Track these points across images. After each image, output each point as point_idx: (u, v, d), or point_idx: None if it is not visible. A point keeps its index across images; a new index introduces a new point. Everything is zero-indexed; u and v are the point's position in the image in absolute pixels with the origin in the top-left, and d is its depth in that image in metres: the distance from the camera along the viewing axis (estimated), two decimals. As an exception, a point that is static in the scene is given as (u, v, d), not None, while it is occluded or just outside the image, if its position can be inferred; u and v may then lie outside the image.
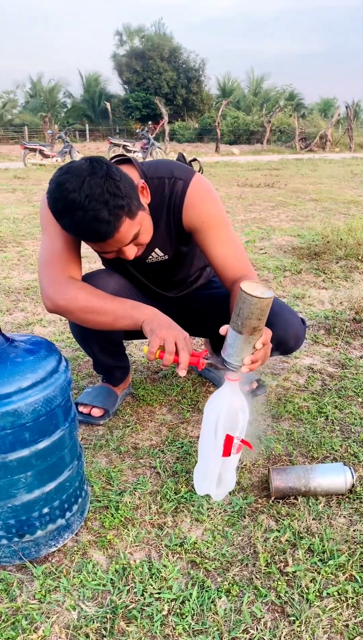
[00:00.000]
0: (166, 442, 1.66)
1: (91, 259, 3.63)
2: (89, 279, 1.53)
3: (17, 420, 1.04)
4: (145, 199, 1.43)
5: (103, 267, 1.76)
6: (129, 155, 1.54)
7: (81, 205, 1.22)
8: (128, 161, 1.51)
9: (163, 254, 1.60)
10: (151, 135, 17.47)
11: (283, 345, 1.57)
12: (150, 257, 1.59)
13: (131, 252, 1.41)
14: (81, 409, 1.77)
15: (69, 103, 43.19)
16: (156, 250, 1.58)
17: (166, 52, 38.64)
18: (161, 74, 37.64)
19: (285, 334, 1.54)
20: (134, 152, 16.02)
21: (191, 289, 1.80)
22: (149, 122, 21.95)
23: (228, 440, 1.31)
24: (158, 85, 37.63)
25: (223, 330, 1.22)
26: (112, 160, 1.52)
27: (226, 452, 1.32)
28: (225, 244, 1.51)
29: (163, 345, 1.30)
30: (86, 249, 1.68)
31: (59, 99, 42.98)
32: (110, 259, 1.64)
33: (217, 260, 1.51)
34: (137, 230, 1.36)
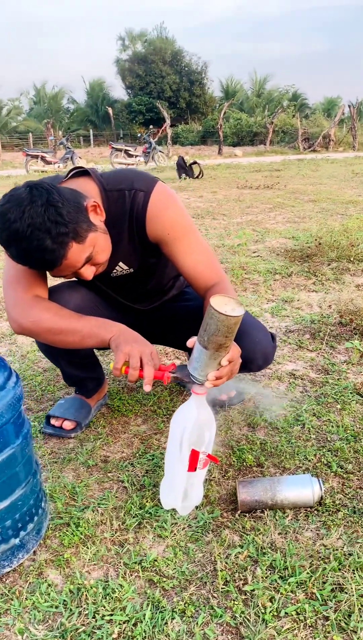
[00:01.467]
0: (137, 455, 1.62)
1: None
2: (52, 294, 1.51)
3: None
4: (98, 217, 1.39)
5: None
6: (88, 167, 1.51)
7: (24, 235, 1.20)
8: (87, 173, 1.48)
9: (127, 267, 1.57)
10: (154, 139, 17.47)
11: (250, 364, 1.54)
12: (114, 271, 1.56)
13: (88, 272, 1.39)
14: (52, 421, 1.74)
15: (73, 109, 43.40)
16: (120, 264, 1.55)
17: (169, 56, 38.70)
18: (163, 78, 37.70)
19: (252, 353, 1.51)
20: (136, 156, 16.04)
21: (163, 300, 1.77)
22: (151, 126, 21.97)
23: (194, 455, 1.28)
24: (161, 89, 37.69)
25: (190, 343, 1.20)
26: (71, 174, 1.48)
27: (192, 467, 1.30)
28: (194, 252, 1.48)
29: (129, 361, 1.28)
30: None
31: (63, 105, 43.21)
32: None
33: (188, 269, 1.48)
34: (89, 252, 1.33)
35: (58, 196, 1.24)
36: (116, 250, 1.49)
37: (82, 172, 1.47)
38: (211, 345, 1.12)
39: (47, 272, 1.43)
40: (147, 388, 1.27)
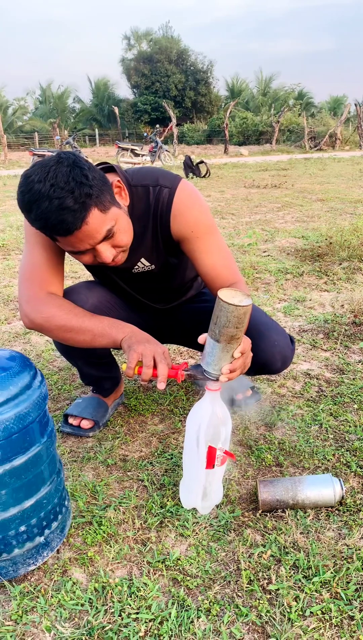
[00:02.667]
0: (156, 454, 1.63)
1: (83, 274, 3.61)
2: (69, 294, 1.51)
3: (-13, 438, 1.03)
4: (122, 200, 1.38)
5: (87, 279, 1.73)
6: (114, 163, 1.51)
7: (46, 194, 1.17)
8: (112, 169, 1.49)
9: (149, 264, 1.57)
10: (160, 138, 17.49)
11: (269, 366, 1.54)
12: (136, 267, 1.56)
13: (108, 252, 1.33)
14: (70, 420, 1.75)
15: (79, 108, 43.40)
16: (142, 260, 1.55)
17: (174, 55, 38.66)
18: (169, 77, 37.66)
19: (271, 355, 1.52)
20: (143, 155, 16.05)
21: (181, 301, 1.77)
22: (157, 126, 21.98)
23: (211, 452, 1.28)
24: (167, 88, 37.66)
25: (201, 339, 1.20)
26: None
27: (210, 464, 1.30)
28: (215, 253, 1.48)
29: (141, 361, 1.28)
30: (72, 264, 1.65)
31: (68, 104, 43.21)
32: (96, 269, 1.62)
33: (206, 269, 1.48)
34: (110, 225, 1.28)
35: (85, 162, 1.23)
36: (139, 246, 1.49)
37: (106, 168, 1.47)
38: (223, 337, 1.13)
39: (66, 252, 1.39)
40: (161, 386, 1.27)
